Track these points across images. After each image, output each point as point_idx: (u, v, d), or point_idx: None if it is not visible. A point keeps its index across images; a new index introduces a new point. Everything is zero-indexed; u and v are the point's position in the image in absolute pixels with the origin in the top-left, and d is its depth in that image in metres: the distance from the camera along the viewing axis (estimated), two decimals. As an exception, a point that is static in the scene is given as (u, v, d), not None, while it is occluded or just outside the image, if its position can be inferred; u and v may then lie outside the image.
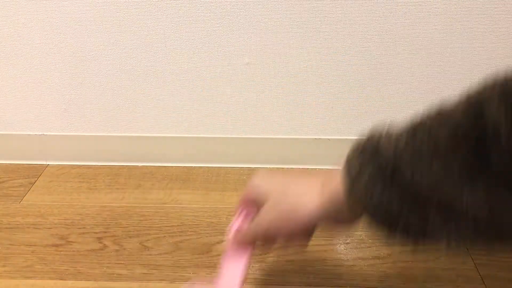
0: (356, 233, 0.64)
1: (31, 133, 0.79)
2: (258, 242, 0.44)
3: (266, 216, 0.41)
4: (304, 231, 0.41)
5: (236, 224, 0.46)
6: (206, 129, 0.77)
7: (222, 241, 0.63)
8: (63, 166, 0.81)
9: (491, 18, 0.64)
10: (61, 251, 0.62)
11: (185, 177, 0.77)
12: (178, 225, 0.66)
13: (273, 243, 0.44)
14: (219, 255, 0.61)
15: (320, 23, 0.66)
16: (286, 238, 0.42)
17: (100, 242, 0.63)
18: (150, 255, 0.61)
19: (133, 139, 0.78)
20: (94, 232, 0.65)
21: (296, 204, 0.39)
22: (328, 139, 0.75)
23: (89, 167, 0.80)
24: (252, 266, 0.59)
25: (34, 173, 0.79)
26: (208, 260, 0.60)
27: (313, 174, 0.41)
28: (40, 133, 0.79)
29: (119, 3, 0.66)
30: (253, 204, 0.44)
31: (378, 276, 0.57)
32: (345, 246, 0.62)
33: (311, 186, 0.39)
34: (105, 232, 0.65)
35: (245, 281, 0.43)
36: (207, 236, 0.64)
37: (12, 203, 0.71)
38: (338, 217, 0.37)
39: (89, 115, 0.76)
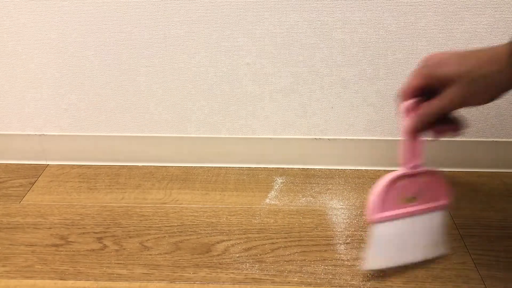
0: (356, 233, 0.64)
1: (31, 133, 0.79)
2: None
3: (459, 90, 0.43)
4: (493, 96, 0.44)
5: (408, 104, 0.49)
6: (206, 129, 0.77)
7: (222, 240, 0.63)
8: (63, 166, 0.81)
9: (491, 18, 0.64)
10: (61, 251, 0.62)
11: (184, 177, 0.77)
12: (178, 225, 0.66)
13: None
14: (219, 255, 0.61)
15: (320, 23, 0.66)
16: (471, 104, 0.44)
17: (100, 242, 0.63)
18: (150, 255, 0.61)
19: (133, 139, 0.78)
20: (94, 232, 0.65)
21: (486, 72, 0.42)
22: (328, 139, 0.75)
23: (89, 167, 0.80)
24: (252, 266, 0.59)
25: (34, 173, 0.79)
26: (208, 260, 0.60)
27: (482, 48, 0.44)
28: (40, 133, 0.79)
29: (119, 3, 0.66)
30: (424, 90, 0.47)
31: (378, 276, 0.57)
32: (345, 246, 0.62)
33: (492, 54, 0.42)
34: (105, 232, 0.65)
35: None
36: (207, 236, 0.64)
37: (12, 203, 0.71)
38: None
39: (89, 115, 0.77)
